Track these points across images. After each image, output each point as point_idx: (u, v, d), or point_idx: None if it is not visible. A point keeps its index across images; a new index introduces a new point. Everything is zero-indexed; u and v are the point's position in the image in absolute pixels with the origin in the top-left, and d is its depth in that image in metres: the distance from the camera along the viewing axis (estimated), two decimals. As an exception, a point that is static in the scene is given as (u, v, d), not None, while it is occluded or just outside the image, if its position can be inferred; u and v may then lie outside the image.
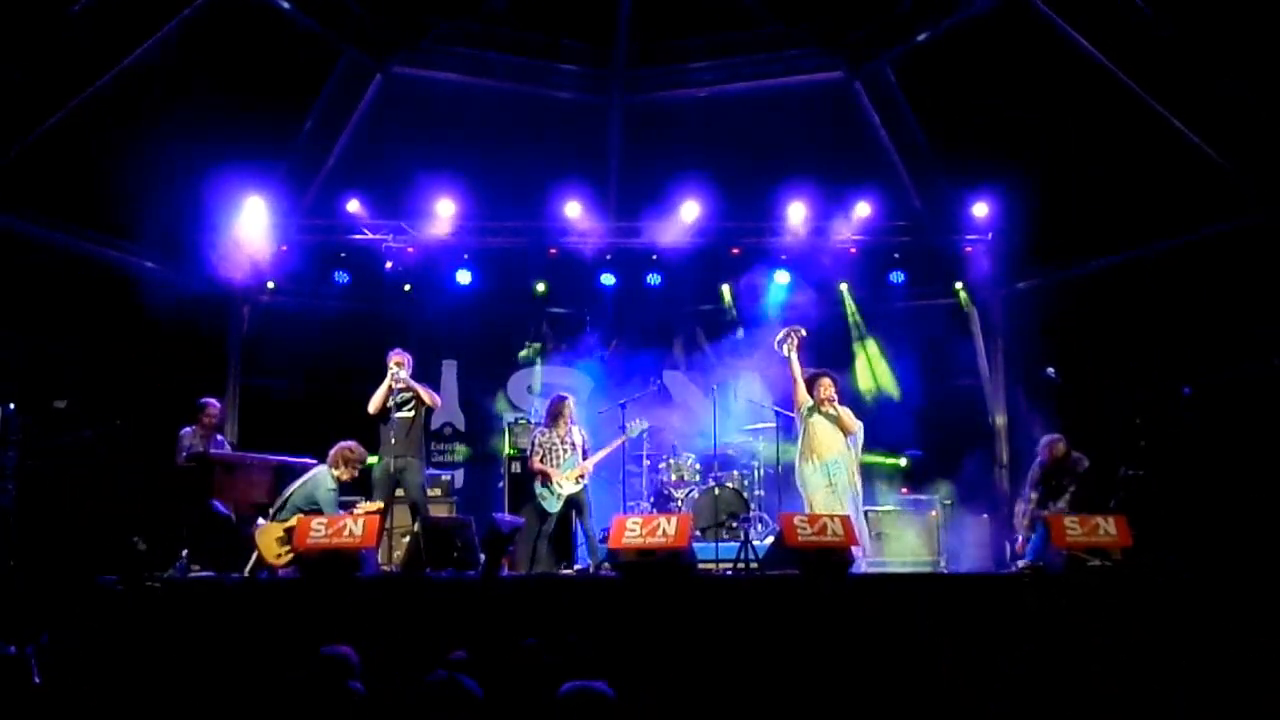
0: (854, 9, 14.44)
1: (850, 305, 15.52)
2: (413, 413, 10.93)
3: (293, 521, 9.70)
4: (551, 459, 11.21)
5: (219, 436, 11.84)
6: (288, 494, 10.18)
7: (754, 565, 9.70)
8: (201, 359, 13.58)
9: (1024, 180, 13.34)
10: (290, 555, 9.49)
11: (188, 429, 11.61)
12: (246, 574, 9.59)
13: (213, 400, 11.94)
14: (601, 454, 11.55)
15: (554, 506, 11.10)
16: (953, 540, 12.10)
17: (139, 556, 9.44)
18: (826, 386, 10.46)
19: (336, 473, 10.30)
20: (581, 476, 11.22)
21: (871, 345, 15.44)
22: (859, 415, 10.76)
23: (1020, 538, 10.95)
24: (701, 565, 9.80)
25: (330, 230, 14.80)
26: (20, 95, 11.87)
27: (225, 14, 12.82)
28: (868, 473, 14.40)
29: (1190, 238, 12.93)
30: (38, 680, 4.28)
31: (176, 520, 10.55)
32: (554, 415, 11.45)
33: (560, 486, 11.13)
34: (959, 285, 15.07)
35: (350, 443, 10.50)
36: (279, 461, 11.28)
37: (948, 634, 7.22)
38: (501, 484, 13.32)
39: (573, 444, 11.33)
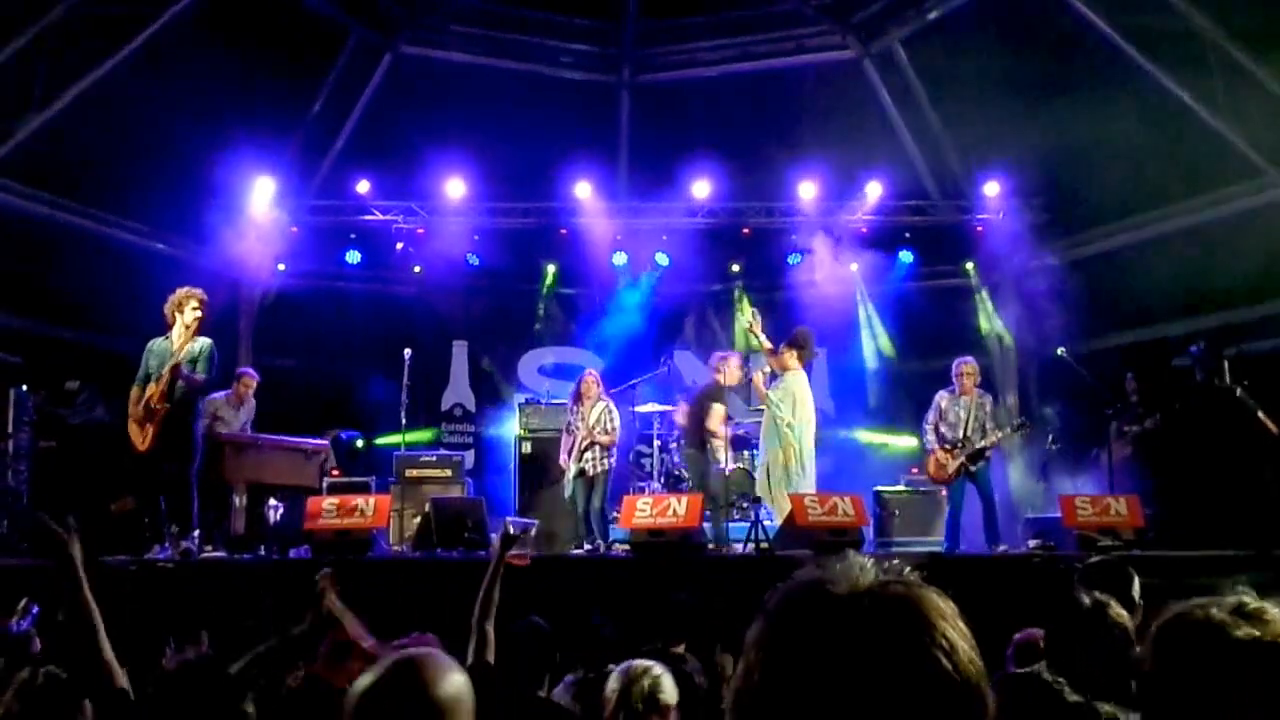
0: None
1: (860, 284, 15.51)
2: None
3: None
4: (572, 439, 11.25)
5: (252, 401, 11.63)
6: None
7: (764, 545, 9.70)
8: (212, 340, 13.58)
9: (1035, 159, 13.27)
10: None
11: (219, 395, 11.41)
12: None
13: (250, 370, 11.88)
14: (585, 430, 11.15)
15: (567, 490, 11.18)
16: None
17: (150, 536, 9.47)
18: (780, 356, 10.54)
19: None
20: (582, 454, 11.06)
21: (878, 326, 15.45)
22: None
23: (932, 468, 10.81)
24: (711, 546, 9.82)
25: (340, 211, 14.83)
26: (29, 76, 11.87)
27: (234, -6, 12.84)
28: (879, 451, 14.46)
29: (1202, 214, 12.88)
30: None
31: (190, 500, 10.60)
32: (574, 394, 11.47)
33: (568, 468, 11.18)
34: (969, 264, 15.05)
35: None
36: (290, 442, 11.29)
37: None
38: (512, 465, 13.34)
39: (583, 421, 11.21)
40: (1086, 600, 3.57)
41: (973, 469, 10.51)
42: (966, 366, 10.84)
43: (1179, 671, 1.60)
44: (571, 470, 11.10)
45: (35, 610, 5.25)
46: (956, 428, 10.61)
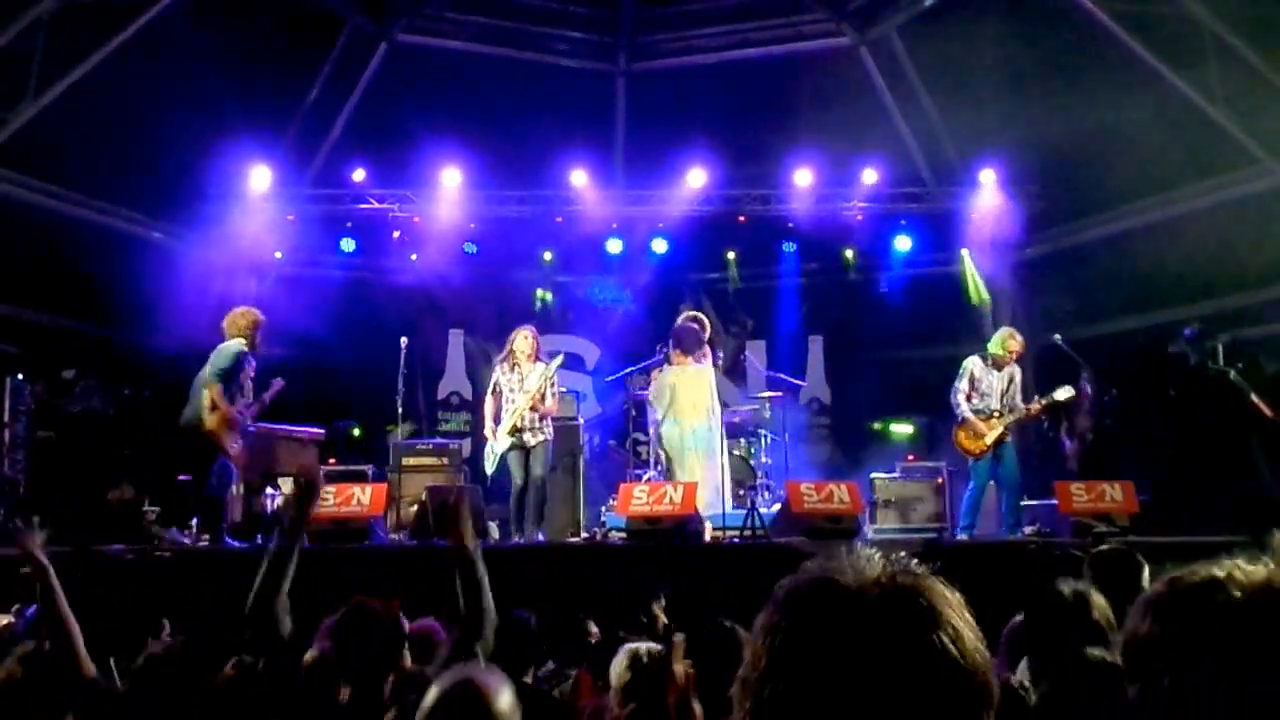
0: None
1: (855, 271, 15.56)
2: None
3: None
4: (506, 404, 10.06)
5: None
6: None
7: (761, 532, 9.72)
8: (209, 329, 13.57)
9: (1031, 146, 13.27)
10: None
11: None
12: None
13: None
14: (525, 399, 9.95)
15: (490, 467, 10.18)
16: (959, 507, 12.11)
17: (148, 526, 9.49)
18: None
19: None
20: (518, 429, 9.95)
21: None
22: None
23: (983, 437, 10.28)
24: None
25: (336, 200, 14.81)
26: (24, 63, 11.85)
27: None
28: (875, 438, 14.52)
29: (1198, 202, 12.90)
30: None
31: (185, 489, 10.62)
32: (506, 353, 10.22)
33: (495, 440, 10.06)
34: (965, 251, 15.04)
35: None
36: (286, 431, 11.30)
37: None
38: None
39: (521, 387, 10.01)
40: (1067, 591, 3.55)
41: (1000, 447, 10.22)
42: (1017, 342, 10.45)
43: (1183, 631, 1.60)
44: (504, 442, 9.97)
45: (30, 612, 5.25)
46: (989, 398, 10.31)
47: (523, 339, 10.14)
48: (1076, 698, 3.12)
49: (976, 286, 14.93)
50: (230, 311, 9.89)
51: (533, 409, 9.94)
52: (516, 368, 10.09)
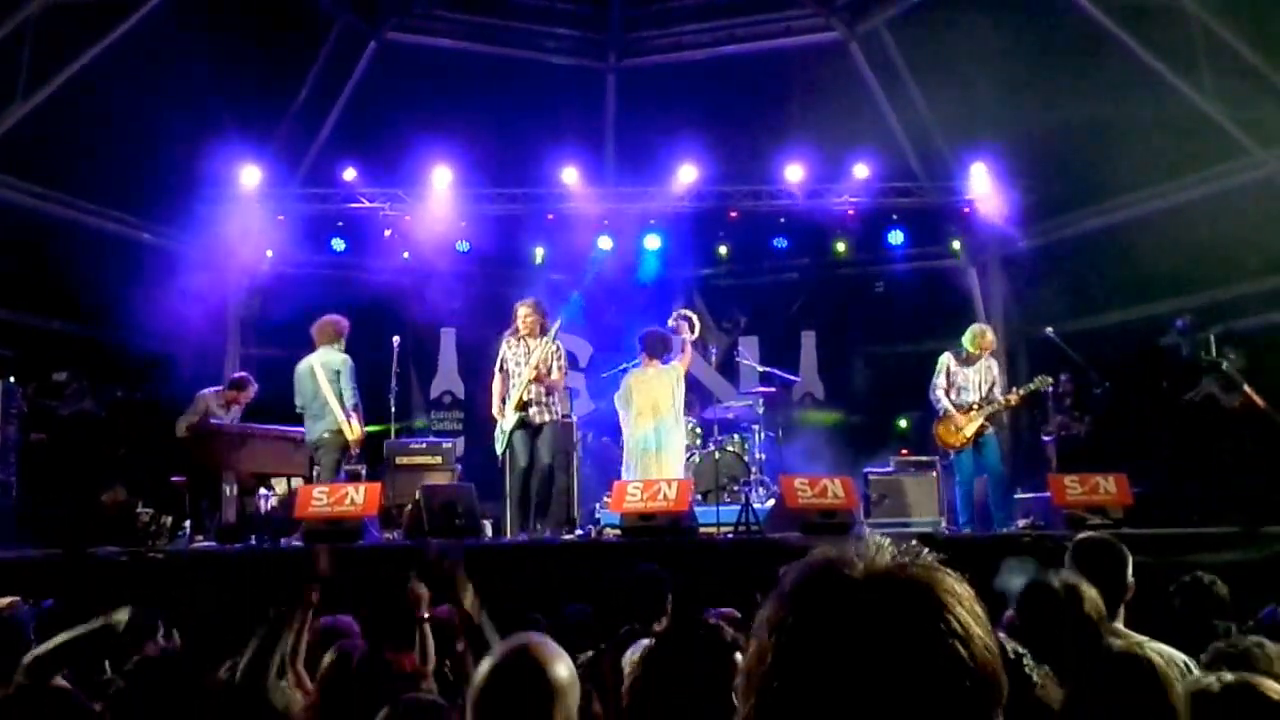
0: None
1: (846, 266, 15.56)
2: None
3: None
4: (513, 379, 9.89)
5: (236, 408, 11.62)
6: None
7: (755, 528, 9.72)
8: (200, 330, 13.55)
9: (1022, 139, 13.27)
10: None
11: (210, 391, 11.43)
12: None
13: (252, 379, 11.83)
14: (530, 371, 9.77)
15: (499, 447, 10.02)
16: (953, 501, 12.10)
17: (142, 528, 9.47)
18: None
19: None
20: (524, 404, 9.81)
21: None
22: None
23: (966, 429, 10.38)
24: (703, 529, 9.83)
25: (327, 199, 14.77)
26: (13, 65, 11.81)
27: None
28: (868, 433, 14.54)
29: (1189, 194, 12.91)
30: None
31: (180, 491, 10.61)
32: (511, 329, 10.08)
33: (504, 418, 9.92)
34: (956, 245, 15.05)
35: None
36: (280, 432, 11.26)
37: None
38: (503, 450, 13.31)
39: (528, 360, 9.83)
40: (1056, 583, 3.53)
41: (981, 439, 10.37)
42: (987, 338, 10.55)
43: None
44: (510, 420, 9.82)
45: (46, 604, 5.25)
46: (966, 391, 10.45)
47: (525, 311, 10.00)
48: (1102, 692, 3.12)
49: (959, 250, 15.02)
50: (319, 321, 10.42)
51: (538, 380, 9.81)
52: (523, 341, 9.96)
